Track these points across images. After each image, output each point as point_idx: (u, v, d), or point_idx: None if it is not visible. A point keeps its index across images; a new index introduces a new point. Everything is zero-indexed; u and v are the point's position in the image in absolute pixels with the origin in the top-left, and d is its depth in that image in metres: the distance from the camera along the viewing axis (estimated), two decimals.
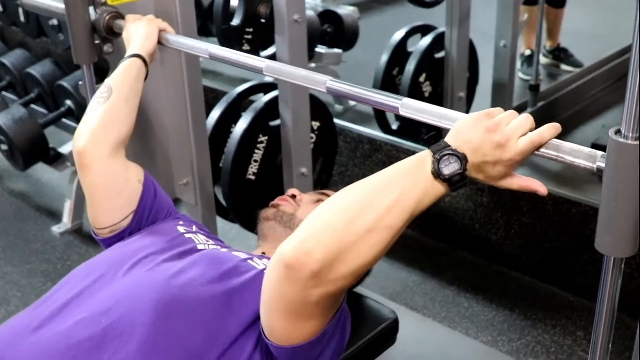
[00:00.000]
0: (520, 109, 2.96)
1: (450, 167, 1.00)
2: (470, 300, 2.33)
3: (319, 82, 1.30)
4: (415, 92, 2.72)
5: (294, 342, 1.08)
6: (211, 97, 2.89)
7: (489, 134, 0.99)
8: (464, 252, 2.56)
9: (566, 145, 0.99)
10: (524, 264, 2.43)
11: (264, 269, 1.23)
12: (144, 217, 1.45)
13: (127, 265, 1.25)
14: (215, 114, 2.24)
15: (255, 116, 2.18)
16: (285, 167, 2.22)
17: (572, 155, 0.98)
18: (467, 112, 2.61)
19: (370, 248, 1.00)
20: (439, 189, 1.01)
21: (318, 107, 2.35)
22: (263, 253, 1.46)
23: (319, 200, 1.54)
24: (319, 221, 1.02)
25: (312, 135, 2.36)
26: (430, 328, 2.14)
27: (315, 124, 2.38)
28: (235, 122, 2.23)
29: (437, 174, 1.00)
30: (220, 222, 2.26)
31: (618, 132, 0.91)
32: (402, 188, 1.01)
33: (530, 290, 2.37)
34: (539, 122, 1.02)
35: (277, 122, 2.19)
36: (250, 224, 2.33)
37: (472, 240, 2.53)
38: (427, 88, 2.77)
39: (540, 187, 1.01)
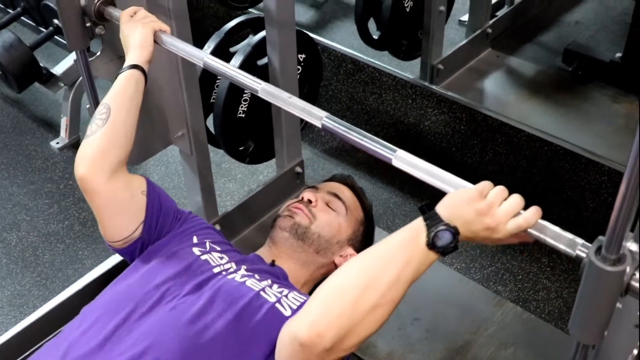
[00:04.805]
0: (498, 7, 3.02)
1: (443, 240, 1.10)
2: None
3: (316, 116, 1.33)
4: (397, 7, 2.74)
5: None
6: None
7: (481, 217, 1.08)
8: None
9: (550, 228, 1.07)
10: None
11: (275, 302, 1.40)
12: (153, 226, 1.55)
13: (152, 301, 1.38)
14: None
15: (244, 60, 2.26)
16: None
17: (555, 239, 1.06)
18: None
19: (377, 321, 1.15)
20: (432, 257, 1.13)
21: (304, 40, 2.42)
22: (273, 261, 1.60)
23: (328, 203, 1.70)
24: (328, 302, 1.14)
25: (298, 67, 2.45)
26: None
27: (301, 56, 2.46)
28: (223, 57, 2.31)
29: (431, 246, 1.11)
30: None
31: (599, 250, 0.92)
32: (400, 264, 1.11)
33: None
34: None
35: (264, 60, 2.27)
36: (241, 157, 2.48)
37: (450, 161, 2.69)
38: (408, 3, 2.80)
39: (526, 238, 1.09)
